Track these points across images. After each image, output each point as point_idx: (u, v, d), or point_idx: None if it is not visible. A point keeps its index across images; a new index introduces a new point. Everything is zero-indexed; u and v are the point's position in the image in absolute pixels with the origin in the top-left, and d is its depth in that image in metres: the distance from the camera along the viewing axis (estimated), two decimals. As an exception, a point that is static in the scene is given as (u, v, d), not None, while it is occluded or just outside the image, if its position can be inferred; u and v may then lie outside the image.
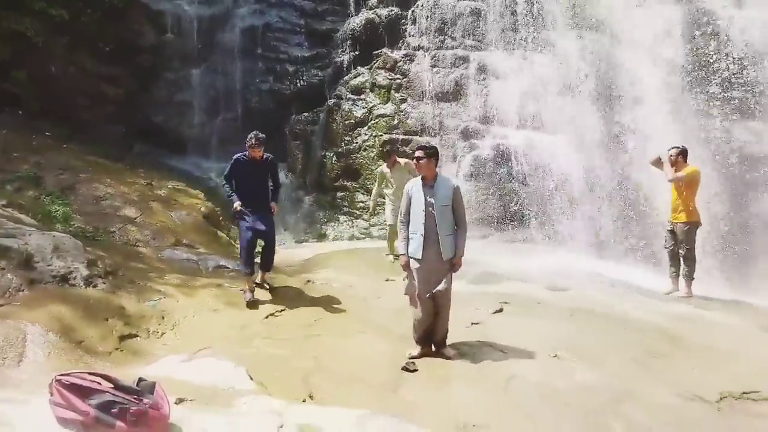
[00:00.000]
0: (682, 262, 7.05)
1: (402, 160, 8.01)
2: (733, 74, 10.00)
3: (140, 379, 3.18)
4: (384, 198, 8.36)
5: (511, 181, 9.91)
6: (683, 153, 7.07)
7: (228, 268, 7.04)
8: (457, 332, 5.19)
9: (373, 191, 8.53)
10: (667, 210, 7.35)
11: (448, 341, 4.91)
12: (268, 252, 6.36)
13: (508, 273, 7.64)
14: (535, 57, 10.75)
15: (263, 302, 5.99)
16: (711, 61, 10.15)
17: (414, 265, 4.67)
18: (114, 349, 4.62)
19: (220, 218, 9.29)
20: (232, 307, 5.78)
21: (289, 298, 6.17)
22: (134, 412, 2.91)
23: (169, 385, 3.70)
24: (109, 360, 4.45)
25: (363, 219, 11.05)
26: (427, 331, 4.80)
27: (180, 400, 3.55)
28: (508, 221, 9.62)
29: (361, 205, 11.18)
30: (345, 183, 11.63)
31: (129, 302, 5.33)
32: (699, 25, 10.23)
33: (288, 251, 9.23)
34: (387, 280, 7.27)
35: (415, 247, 4.64)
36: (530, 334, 5.27)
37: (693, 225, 7.00)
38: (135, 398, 2.96)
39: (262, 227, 6.14)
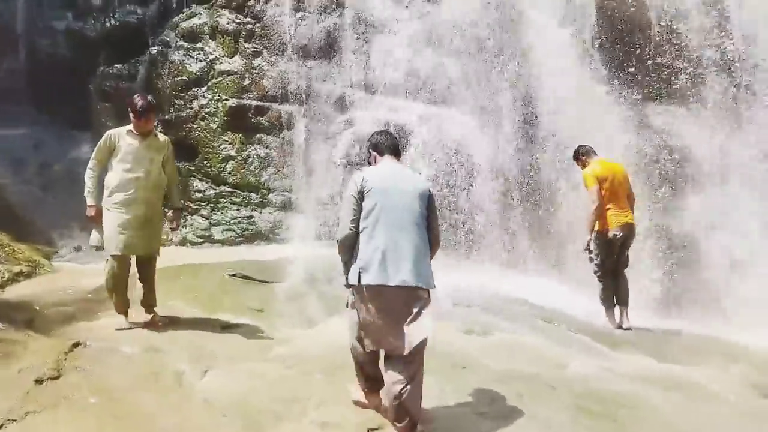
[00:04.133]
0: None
1: (161, 136, 4.62)
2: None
3: None
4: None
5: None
6: (576, 153, 5.72)
7: None
8: None
9: (93, 171, 4.35)
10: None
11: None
12: None
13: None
14: (430, 7, 8.43)
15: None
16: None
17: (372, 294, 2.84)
18: None
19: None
20: None
21: (19, 392, 3.11)
22: None
23: None
24: None
25: (201, 215, 8.01)
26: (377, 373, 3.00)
27: None
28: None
29: (199, 195, 8.12)
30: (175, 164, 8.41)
31: None
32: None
33: (77, 268, 5.98)
34: (225, 328, 4.61)
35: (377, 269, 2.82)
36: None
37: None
38: None
39: None
